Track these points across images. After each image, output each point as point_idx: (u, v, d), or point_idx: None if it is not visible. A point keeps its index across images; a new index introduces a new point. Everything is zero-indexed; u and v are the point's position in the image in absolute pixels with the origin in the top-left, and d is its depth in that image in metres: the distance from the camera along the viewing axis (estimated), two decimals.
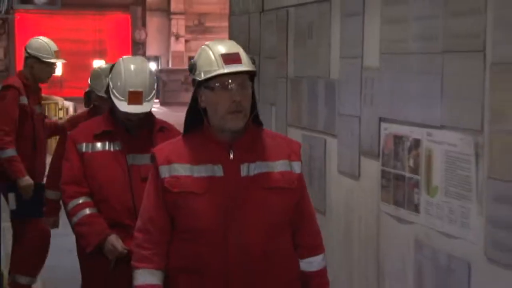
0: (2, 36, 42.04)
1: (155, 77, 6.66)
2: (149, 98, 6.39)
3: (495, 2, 4.77)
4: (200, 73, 4.75)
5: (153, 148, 5.87)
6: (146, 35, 48.09)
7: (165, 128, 6.68)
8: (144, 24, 48.21)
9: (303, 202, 5.02)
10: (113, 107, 6.46)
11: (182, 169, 4.76)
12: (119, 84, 6.33)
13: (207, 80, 4.62)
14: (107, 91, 7.34)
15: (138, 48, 48.14)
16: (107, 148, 6.33)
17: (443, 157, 5.34)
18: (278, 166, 4.83)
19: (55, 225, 10.42)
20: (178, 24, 48.12)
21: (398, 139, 5.84)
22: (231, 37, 10.27)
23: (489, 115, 4.83)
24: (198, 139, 4.83)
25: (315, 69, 7.45)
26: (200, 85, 4.77)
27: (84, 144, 6.28)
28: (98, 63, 11.03)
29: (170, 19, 48.27)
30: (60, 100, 29.15)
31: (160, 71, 43.79)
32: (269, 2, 8.53)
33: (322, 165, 7.45)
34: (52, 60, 10.66)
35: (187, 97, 8.19)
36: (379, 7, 6.08)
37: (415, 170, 5.68)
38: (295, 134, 7.82)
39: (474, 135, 4.98)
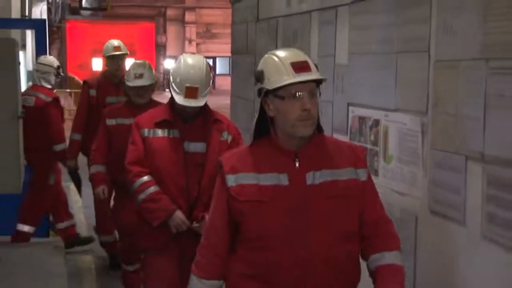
0: (56, 40, 42.11)
1: (211, 75, 6.19)
2: (204, 93, 5.91)
3: (437, 13, 4.81)
4: (269, 82, 3.99)
5: (207, 137, 6.05)
6: (166, 39, 47.90)
7: (218, 120, 6.18)
8: (164, 31, 47.99)
9: (371, 208, 4.18)
10: (172, 99, 6.06)
11: (247, 178, 4.08)
12: (178, 79, 5.88)
13: (276, 89, 3.90)
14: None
15: (160, 49, 48.18)
16: (166, 134, 5.94)
17: (396, 133, 5.39)
18: (344, 174, 4.07)
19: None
20: (191, 31, 47.96)
21: (362, 120, 5.88)
22: (233, 41, 10.18)
23: (432, 101, 4.88)
24: (263, 148, 4.13)
25: None
26: (267, 94, 4.03)
27: (146, 130, 5.95)
28: (130, 61, 10.65)
29: (184, 27, 48.10)
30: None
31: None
32: (262, 13, 8.51)
33: None
34: (111, 53, 10.35)
35: None
36: (348, 17, 6.11)
37: (375, 143, 5.73)
38: None
39: (420, 116, 5.04)
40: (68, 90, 31.75)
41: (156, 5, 45.80)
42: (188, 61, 6.04)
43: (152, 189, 5.88)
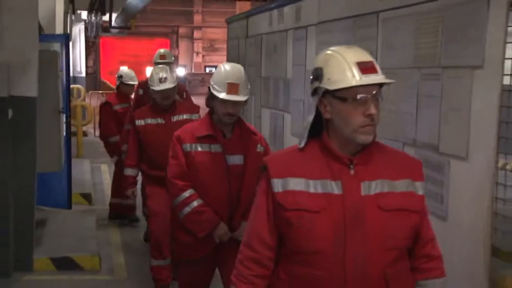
0: (92, 52, 42.17)
1: (248, 80, 5.36)
2: (244, 91, 5.16)
3: (382, 34, 4.86)
4: (329, 82, 3.01)
5: (245, 149, 5.29)
6: (179, 52, 47.71)
7: (253, 133, 5.41)
8: (177, 46, 47.75)
9: (425, 226, 3.30)
10: (211, 112, 5.30)
11: (296, 184, 3.06)
12: (218, 78, 5.17)
13: (337, 89, 2.96)
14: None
15: (174, 61, 48.11)
16: (207, 149, 5.20)
17: None
18: (401, 185, 3.13)
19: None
20: (198, 46, 47.70)
21: None
22: (228, 53, 10.27)
23: None
24: (314, 151, 3.13)
25: (278, 72, 7.42)
26: (325, 94, 3.05)
27: (188, 145, 5.20)
28: (149, 69, 10.61)
29: (193, 43, 47.86)
30: None
31: (187, 74, 43.47)
32: (250, 31, 8.53)
33: (281, 130, 7.37)
34: (157, 61, 9.92)
35: (203, 90, 8.12)
36: (315, 35, 6.14)
37: None
38: (265, 112, 7.87)
39: None
40: (101, 92, 31.62)
41: (170, 25, 45.66)
42: (228, 65, 5.42)
43: (196, 202, 5.20)
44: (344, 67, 2.98)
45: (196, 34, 47.75)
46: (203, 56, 48.67)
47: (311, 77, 3.11)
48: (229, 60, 10.19)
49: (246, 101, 5.27)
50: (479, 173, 3.76)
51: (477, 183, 3.77)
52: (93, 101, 26.68)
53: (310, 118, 3.12)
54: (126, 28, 25.02)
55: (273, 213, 3.12)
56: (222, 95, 5.03)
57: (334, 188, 3.02)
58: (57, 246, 8.83)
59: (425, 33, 4.27)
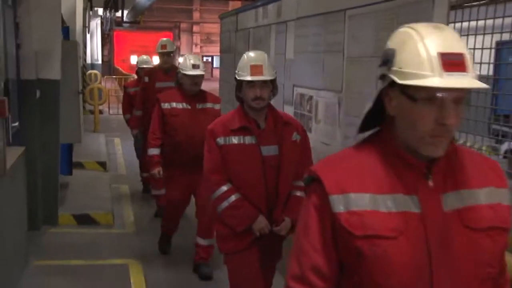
0: (107, 43, 41.93)
1: (273, 64, 4.70)
2: (270, 72, 4.43)
3: (348, 28, 4.92)
4: (400, 73, 1.95)
5: (280, 139, 4.45)
6: (180, 43, 47.54)
7: (287, 122, 4.57)
8: (179, 38, 47.55)
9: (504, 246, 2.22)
10: (242, 104, 4.53)
11: (362, 201, 2.04)
12: (242, 64, 4.51)
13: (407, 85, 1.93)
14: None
15: (176, 50, 47.74)
16: (242, 141, 4.43)
17: (323, 104, 5.43)
18: (484, 195, 2.12)
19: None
20: (196, 38, 47.52)
21: (302, 96, 5.88)
22: (221, 44, 10.21)
23: (345, 84, 4.95)
24: (377, 155, 2.07)
25: None
26: (393, 85, 1.99)
27: (222, 138, 4.43)
28: (145, 57, 10.50)
29: (192, 36, 47.67)
30: (135, 76, 28.73)
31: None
32: (240, 25, 8.52)
33: None
34: (160, 51, 9.14)
35: None
36: (293, 29, 6.17)
37: (310, 111, 5.74)
38: None
39: (337, 93, 5.09)
40: (114, 77, 31.53)
41: (173, 20, 45.47)
42: (249, 52, 4.80)
43: (234, 197, 4.43)
44: (422, 57, 1.91)
45: (195, 28, 47.56)
46: (201, 47, 48.45)
47: (381, 60, 2.07)
48: (221, 49, 10.19)
49: (274, 86, 4.52)
50: None
51: None
52: (108, 84, 26.78)
53: (368, 107, 2.07)
54: (136, 22, 25.02)
55: (332, 238, 2.03)
56: (247, 77, 4.37)
57: (410, 205, 1.98)
58: (77, 205, 8.94)
59: (383, 27, 4.31)
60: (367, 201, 1.96)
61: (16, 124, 6.94)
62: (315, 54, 5.54)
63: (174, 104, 6.48)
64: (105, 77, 31.16)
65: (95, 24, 32.75)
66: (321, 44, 5.43)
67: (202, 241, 6.66)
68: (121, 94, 26.46)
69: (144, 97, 8.97)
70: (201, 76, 6.50)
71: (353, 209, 1.96)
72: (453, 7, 3.74)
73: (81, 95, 10.65)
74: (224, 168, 4.44)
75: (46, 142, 7.93)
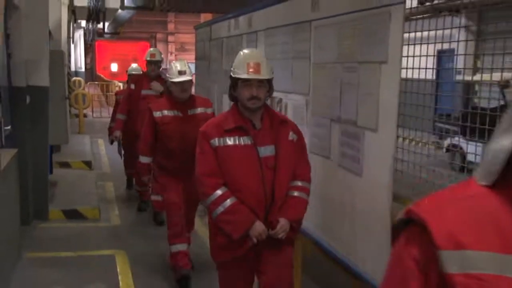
0: (90, 52, 41.57)
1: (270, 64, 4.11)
2: (267, 71, 3.94)
3: (314, 37, 4.85)
4: None
5: (277, 139, 3.96)
6: None
7: (283, 121, 4.10)
8: (155, 47, 47.36)
9: None
10: (236, 104, 4.05)
11: (485, 262, 1.21)
12: (238, 61, 3.97)
13: None
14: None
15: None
16: (237, 142, 3.91)
17: (292, 106, 5.35)
18: None
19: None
20: (171, 47, 47.00)
21: (272, 98, 5.85)
22: (196, 52, 10.10)
23: (311, 87, 4.91)
24: (501, 199, 1.24)
25: None
26: None
27: (216, 139, 3.90)
28: (135, 65, 10.20)
29: (167, 45, 47.29)
30: (116, 82, 28.59)
31: (163, 69, 43.30)
32: (213, 35, 8.48)
33: None
34: (148, 59, 8.56)
35: None
36: (264, 38, 6.15)
37: (281, 112, 5.72)
38: (225, 97, 7.86)
39: (305, 96, 5.03)
40: (97, 83, 31.34)
41: (150, 31, 45.19)
42: (246, 49, 4.28)
43: (229, 201, 3.85)
44: None
45: (170, 38, 47.29)
46: (175, 55, 48.19)
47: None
48: (196, 57, 10.09)
49: (271, 86, 4.05)
50: (385, 141, 3.82)
51: (383, 148, 3.83)
52: (91, 90, 26.70)
53: (507, 142, 1.27)
54: (116, 33, 24.83)
55: None
56: (244, 75, 3.86)
57: None
58: (66, 201, 8.88)
59: (345, 37, 4.30)
60: (491, 261, 1.25)
61: (9, 127, 6.89)
62: (284, 60, 5.53)
63: (165, 112, 5.92)
64: (88, 83, 31.07)
65: (79, 35, 32.60)
66: (289, 52, 5.41)
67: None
68: (103, 99, 26.49)
69: (129, 103, 8.56)
70: (189, 82, 5.96)
71: (472, 272, 1.25)
72: (406, 19, 3.76)
73: (67, 100, 10.56)
74: (219, 171, 3.90)
75: (36, 144, 7.92)
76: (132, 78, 9.04)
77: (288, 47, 5.44)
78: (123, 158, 9.86)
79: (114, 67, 43.37)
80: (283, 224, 3.89)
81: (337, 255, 4.52)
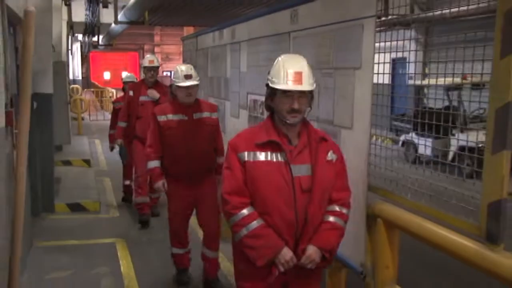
0: (85, 62, 41.08)
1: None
2: (309, 82, 3.18)
3: (293, 46, 4.81)
4: None
5: (314, 158, 3.18)
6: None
7: (324, 140, 3.32)
8: (143, 57, 46.99)
9: None
10: (272, 116, 3.31)
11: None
12: (277, 69, 3.20)
13: None
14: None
15: (140, 67, 47.25)
16: (269, 157, 3.17)
17: None
18: None
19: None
20: (157, 57, 47.02)
21: (254, 101, 5.77)
22: (183, 61, 9.87)
23: None
24: None
25: (220, 73, 7.29)
26: None
27: (245, 153, 3.20)
28: (125, 73, 10.00)
29: (154, 55, 47.07)
30: (110, 89, 28.42)
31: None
32: (200, 45, 8.43)
33: (223, 113, 7.02)
34: (146, 65, 7.90)
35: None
36: (246, 47, 6.13)
37: (262, 113, 5.52)
38: (211, 100, 7.86)
39: None
40: (92, 89, 31.12)
41: (138, 43, 44.75)
42: (286, 55, 3.38)
43: (255, 223, 3.12)
44: None
45: (156, 49, 46.86)
46: (161, 64, 48.13)
47: None
48: None
49: (312, 97, 3.26)
50: (359, 138, 3.82)
51: (358, 144, 3.83)
52: (87, 96, 26.59)
53: None
54: (109, 45, 24.64)
55: None
56: (283, 86, 3.11)
57: None
58: (70, 195, 8.85)
59: (322, 46, 4.28)
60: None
61: (17, 131, 6.84)
62: (266, 67, 5.44)
63: (170, 116, 5.21)
64: (85, 90, 30.97)
65: (76, 47, 32.26)
66: (270, 59, 5.34)
67: (209, 253, 5.49)
68: (98, 104, 26.32)
69: (129, 110, 7.88)
70: (196, 86, 5.28)
71: None
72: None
73: (69, 105, 10.47)
74: (246, 189, 3.17)
75: (43, 144, 7.95)
76: (130, 85, 8.28)
77: (269, 55, 5.40)
78: (123, 164, 9.12)
79: (106, 75, 43.24)
80: (311, 253, 3.14)
81: None
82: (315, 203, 3.15)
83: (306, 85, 3.13)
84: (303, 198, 3.12)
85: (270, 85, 3.18)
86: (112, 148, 8.95)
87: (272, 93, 3.19)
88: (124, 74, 9.85)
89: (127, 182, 9.00)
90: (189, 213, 5.49)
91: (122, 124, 8.03)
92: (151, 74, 7.84)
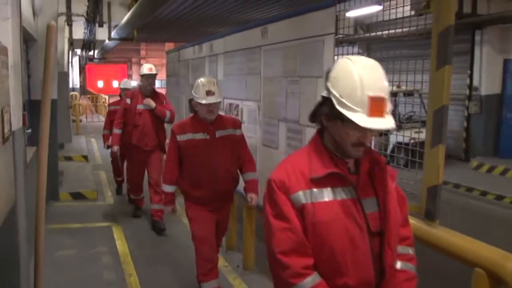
0: (82, 73, 39.98)
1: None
2: (389, 110, 1.74)
3: (263, 58, 4.85)
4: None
5: (381, 188, 1.91)
6: (132, 72, 46.43)
7: (382, 164, 1.92)
8: (131, 68, 46.38)
9: None
10: (321, 135, 1.96)
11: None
12: (352, 88, 1.71)
13: None
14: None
15: (129, 77, 46.73)
16: (331, 196, 1.80)
17: (247, 110, 5.25)
18: None
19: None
20: None
21: (230, 105, 5.72)
22: (167, 71, 9.63)
23: (262, 95, 4.87)
24: None
25: None
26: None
27: (301, 194, 1.79)
28: (116, 83, 9.81)
29: (140, 67, 46.48)
30: (103, 95, 28.02)
31: (137, 84, 42.43)
32: (181, 57, 8.36)
33: None
34: (144, 73, 6.91)
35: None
36: (223, 59, 6.09)
37: (237, 115, 5.48)
38: None
39: (257, 102, 4.96)
40: (88, 96, 30.68)
41: (127, 56, 44.17)
42: (363, 63, 1.78)
43: None
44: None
45: (142, 62, 46.37)
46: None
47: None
48: (168, 74, 9.61)
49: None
50: None
51: None
52: (84, 101, 26.27)
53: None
54: (103, 58, 24.34)
55: None
56: (362, 121, 1.72)
57: None
58: (72, 185, 8.72)
59: (289, 57, 4.30)
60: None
61: (29, 131, 6.75)
62: (240, 75, 5.49)
63: (190, 135, 4.14)
64: (82, 96, 30.62)
65: (75, 60, 31.64)
66: (244, 69, 5.37)
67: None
68: (93, 108, 25.97)
69: (125, 117, 6.89)
70: (217, 104, 4.21)
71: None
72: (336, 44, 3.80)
73: (70, 109, 10.29)
74: (308, 245, 1.84)
75: (49, 142, 7.72)
76: (128, 93, 7.18)
77: (242, 65, 5.39)
78: (112, 166, 8.72)
79: (100, 84, 42.91)
80: None
81: None
82: (392, 249, 1.90)
83: (389, 121, 1.76)
84: (376, 244, 1.89)
85: (338, 107, 1.80)
86: (108, 147, 8.71)
87: (335, 115, 1.83)
88: (122, 82, 9.13)
89: (119, 178, 8.85)
90: (215, 238, 4.31)
91: (117, 131, 6.93)
92: (149, 82, 6.85)
